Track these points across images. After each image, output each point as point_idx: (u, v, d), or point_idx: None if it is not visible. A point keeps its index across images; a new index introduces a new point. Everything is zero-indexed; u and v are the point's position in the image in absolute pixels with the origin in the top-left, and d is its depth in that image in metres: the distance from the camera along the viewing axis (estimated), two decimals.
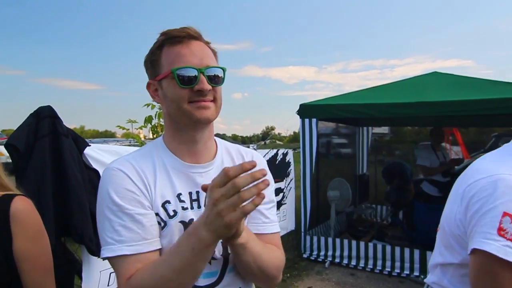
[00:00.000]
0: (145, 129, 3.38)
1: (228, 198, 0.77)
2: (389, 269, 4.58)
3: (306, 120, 4.97)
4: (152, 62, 1.04)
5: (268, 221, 1.12)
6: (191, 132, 1.04)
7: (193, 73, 0.97)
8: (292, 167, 4.97)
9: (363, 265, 4.76)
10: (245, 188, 0.77)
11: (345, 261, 4.88)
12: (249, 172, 0.78)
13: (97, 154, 2.26)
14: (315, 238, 5.07)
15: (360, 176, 6.72)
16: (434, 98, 4.40)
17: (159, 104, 3.42)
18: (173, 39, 1.00)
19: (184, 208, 1.01)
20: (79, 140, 2.17)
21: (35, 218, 1.26)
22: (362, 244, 4.80)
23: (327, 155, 7.52)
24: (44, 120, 1.97)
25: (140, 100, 3.86)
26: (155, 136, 3.37)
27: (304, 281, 4.52)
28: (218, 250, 1.04)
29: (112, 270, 2.25)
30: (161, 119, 3.38)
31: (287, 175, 4.86)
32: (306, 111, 4.98)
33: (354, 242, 4.86)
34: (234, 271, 1.08)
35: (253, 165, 0.78)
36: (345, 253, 4.88)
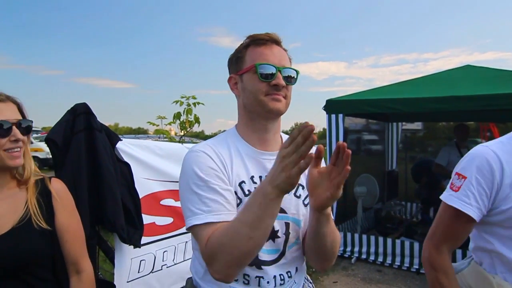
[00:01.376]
0: (173, 125, 3.50)
1: (291, 156, 0.89)
2: (417, 267, 4.50)
3: (333, 116, 4.96)
4: (237, 59, 1.19)
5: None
6: (263, 121, 1.19)
7: (272, 70, 1.12)
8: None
9: (390, 262, 4.71)
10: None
11: (372, 258, 4.85)
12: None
13: (128, 148, 2.39)
14: (341, 234, 5.06)
15: (388, 173, 6.61)
16: (466, 92, 4.28)
17: (187, 101, 3.59)
18: (258, 41, 1.16)
19: None
20: (111, 135, 2.30)
21: (70, 196, 1.43)
22: (389, 240, 4.75)
23: (356, 151, 7.43)
24: (80, 116, 2.10)
25: (172, 98, 4.00)
26: (183, 131, 3.48)
27: (329, 276, 4.54)
28: (281, 229, 1.17)
29: (142, 258, 2.39)
30: (189, 115, 3.50)
31: None
32: (332, 106, 4.97)
33: (381, 239, 4.82)
34: (293, 249, 1.21)
35: (306, 125, 0.88)
36: (372, 249, 4.85)
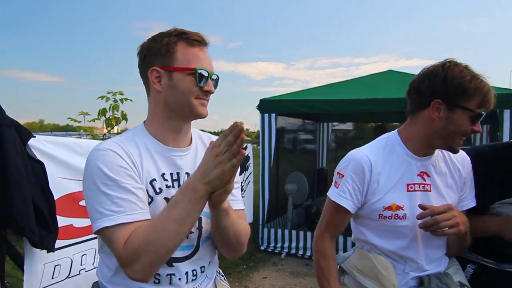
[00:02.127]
0: (99, 122, 3.32)
1: (223, 154, 0.96)
2: None
3: (266, 115, 5.05)
4: (166, 53, 1.14)
5: (235, 199, 1.26)
6: (182, 122, 1.19)
7: (206, 75, 1.15)
8: (251, 161, 5.05)
9: None
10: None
11: (301, 252, 5.03)
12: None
13: (42, 145, 2.22)
14: (272, 231, 5.19)
15: (319, 171, 6.90)
16: (387, 95, 4.60)
17: (114, 97, 3.43)
18: (191, 40, 1.15)
19: (167, 186, 1.15)
20: (22, 131, 2.11)
21: None
22: None
23: (291, 150, 7.67)
24: None
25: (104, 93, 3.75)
26: (109, 129, 3.33)
27: (259, 272, 4.63)
28: (194, 225, 1.14)
29: (57, 262, 2.24)
30: (115, 112, 3.34)
31: (246, 169, 4.93)
32: (265, 106, 5.06)
33: (309, 234, 5.01)
34: (205, 243, 1.21)
35: (236, 125, 0.96)
36: (301, 244, 5.04)
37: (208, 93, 1.17)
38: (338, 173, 1.45)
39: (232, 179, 1.01)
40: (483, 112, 1.30)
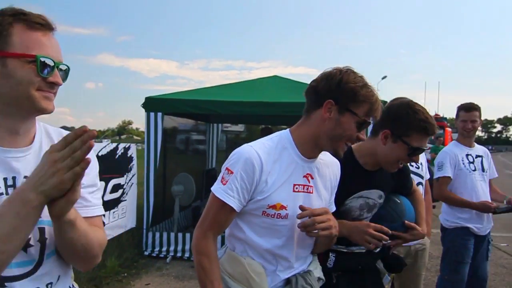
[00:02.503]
0: None
1: (65, 160, 0.85)
2: None
3: (152, 114, 4.84)
4: None
5: (90, 204, 1.13)
6: (21, 119, 1.02)
7: (51, 64, 0.99)
8: (134, 162, 4.78)
9: None
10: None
11: (187, 255, 4.94)
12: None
13: None
14: (157, 235, 4.99)
15: (208, 171, 6.90)
16: (272, 99, 4.82)
17: None
18: (31, 22, 0.98)
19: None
20: None
21: None
22: None
23: (181, 151, 7.51)
24: None
25: None
26: None
27: (142, 278, 4.41)
28: (34, 237, 0.99)
29: None
30: None
31: (128, 170, 4.64)
32: (151, 104, 4.86)
33: None
34: (52, 257, 1.05)
35: (84, 130, 0.85)
36: (187, 246, 4.95)
37: (54, 85, 1.01)
38: (227, 168, 1.37)
39: (76, 187, 0.89)
40: (369, 121, 1.39)
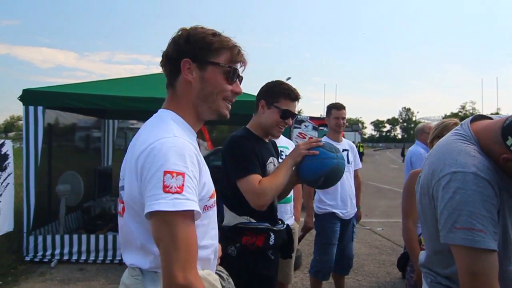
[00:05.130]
0: None
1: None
2: (120, 258, 4.68)
3: (31, 108, 4.47)
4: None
5: None
6: None
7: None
8: (10, 160, 4.37)
9: (93, 258, 4.70)
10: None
11: (75, 257, 4.68)
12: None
13: None
14: (40, 238, 4.64)
15: (101, 170, 6.58)
16: (163, 94, 4.79)
17: None
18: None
19: None
20: None
21: None
22: (93, 237, 4.72)
23: (71, 149, 7.04)
24: None
25: None
26: None
27: (21, 285, 4.07)
28: None
29: None
30: None
31: (3, 169, 4.24)
32: (30, 97, 4.48)
33: (84, 236, 4.72)
34: None
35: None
36: (75, 248, 4.69)
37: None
38: (170, 172, 1.00)
39: None
40: (236, 67, 1.26)
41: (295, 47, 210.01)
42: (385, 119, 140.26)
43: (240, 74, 1.28)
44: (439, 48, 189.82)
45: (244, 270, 1.88)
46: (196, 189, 1.05)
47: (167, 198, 0.99)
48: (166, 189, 0.99)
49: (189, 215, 1.01)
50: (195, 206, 1.02)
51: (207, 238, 1.19)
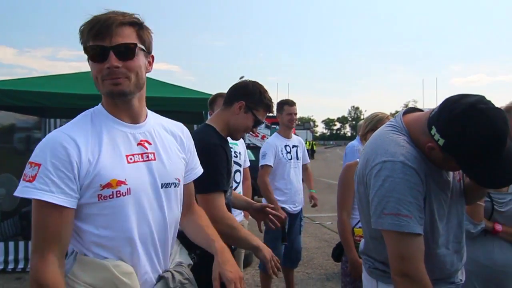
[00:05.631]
0: None
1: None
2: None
3: None
4: None
5: None
6: None
7: None
8: None
9: None
10: None
11: (11, 266, 4.37)
12: None
13: None
14: None
15: None
16: None
17: None
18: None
19: None
20: None
21: None
22: (30, 244, 4.41)
23: (7, 150, 6.56)
24: None
25: None
26: None
27: None
28: None
29: None
30: None
31: None
32: None
33: (21, 244, 4.44)
34: None
35: None
36: (11, 257, 4.39)
37: None
38: (30, 163, 1.09)
39: None
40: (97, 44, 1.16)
41: (250, 47, 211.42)
42: (335, 117, 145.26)
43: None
44: (385, 48, 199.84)
45: (205, 276, 1.73)
46: (59, 180, 1.08)
47: (21, 185, 1.09)
48: (23, 177, 1.10)
49: (45, 204, 1.06)
50: (43, 196, 1.06)
51: (112, 228, 1.15)
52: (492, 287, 1.89)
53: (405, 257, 1.18)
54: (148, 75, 1.28)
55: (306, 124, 36.12)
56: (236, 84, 2.03)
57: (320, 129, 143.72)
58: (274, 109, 3.17)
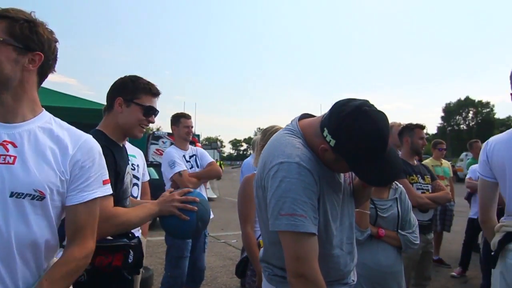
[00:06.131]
0: None
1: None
2: None
3: None
4: None
5: None
6: None
7: None
8: None
9: None
10: None
11: None
12: None
13: None
14: None
15: None
16: None
17: None
18: None
19: None
20: None
21: None
22: None
23: None
24: None
25: None
26: None
27: None
28: None
29: None
30: None
31: None
32: None
33: None
34: None
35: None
36: None
37: None
38: None
39: None
40: None
41: (156, 64, 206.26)
42: (242, 138, 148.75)
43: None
44: (286, 74, 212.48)
45: None
46: None
47: None
48: None
49: None
50: None
51: None
52: (378, 287, 2.07)
53: (300, 257, 1.21)
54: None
55: (214, 143, 36.34)
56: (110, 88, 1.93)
57: (228, 149, 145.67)
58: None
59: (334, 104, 1.28)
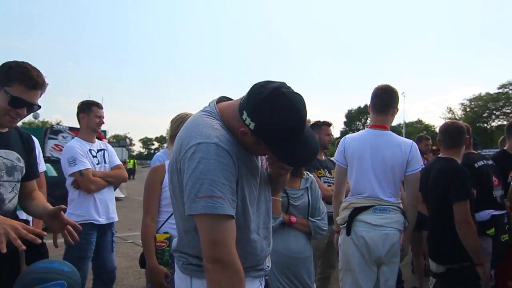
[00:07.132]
0: None
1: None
2: None
3: None
4: None
5: None
6: None
7: None
8: None
9: None
10: None
11: None
12: None
13: None
14: None
15: None
16: None
17: None
18: None
19: None
20: None
21: None
22: None
23: None
24: None
25: None
26: None
27: None
28: None
29: None
30: None
31: None
32: None
33: None
34: None
35: None
36: None
37: None
38: None
39: None
40: None
41: (57, 53, 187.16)
42: (153, 136, 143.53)
43: None
44: (198, 72, 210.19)
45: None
46: None
47: None
48: None
49: None
50: None
51: None
52: (288, 273, 2.14)
53: (218, 241, 1.16)
54: None
55: (122, 141, 34.21)
56: None
57: (138, 148, 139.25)
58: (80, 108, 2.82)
59: (252, 87, 1.27)
